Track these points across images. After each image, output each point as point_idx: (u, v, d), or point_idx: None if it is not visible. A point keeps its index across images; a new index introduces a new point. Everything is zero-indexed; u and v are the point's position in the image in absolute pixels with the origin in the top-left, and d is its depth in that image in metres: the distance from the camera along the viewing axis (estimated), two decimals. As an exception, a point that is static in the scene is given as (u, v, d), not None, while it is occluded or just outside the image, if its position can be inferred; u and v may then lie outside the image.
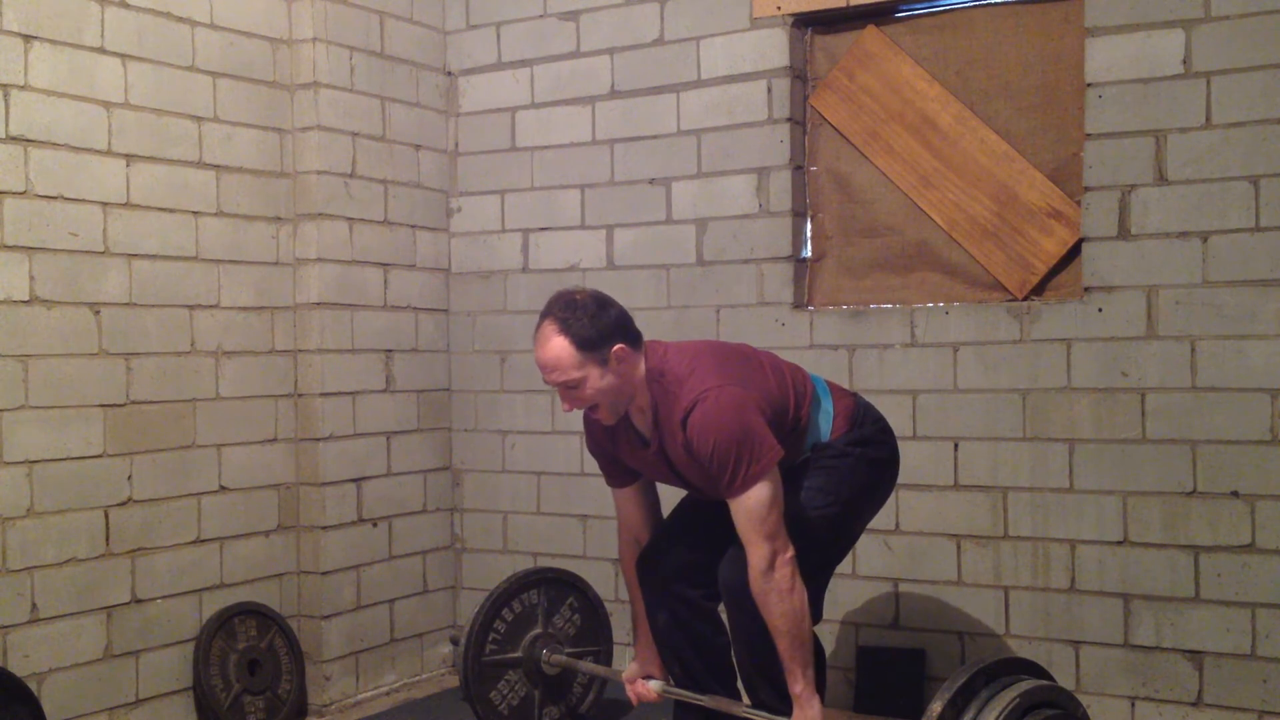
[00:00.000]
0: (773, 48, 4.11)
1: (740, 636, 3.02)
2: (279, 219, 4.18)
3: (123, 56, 3.67)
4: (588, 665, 3.72)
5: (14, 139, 3.39)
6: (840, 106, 4.10)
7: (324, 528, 4.20)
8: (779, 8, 4.10)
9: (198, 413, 3.90)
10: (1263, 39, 3.39)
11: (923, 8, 3.98)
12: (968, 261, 3.91)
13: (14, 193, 3.39)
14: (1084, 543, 3.64)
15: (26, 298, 3.42)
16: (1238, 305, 3.43)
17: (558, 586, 3.79)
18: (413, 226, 4.60)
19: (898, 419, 3.74)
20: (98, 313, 3.60)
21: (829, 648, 3.91)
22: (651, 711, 3.61)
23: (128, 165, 3.69)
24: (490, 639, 3.62)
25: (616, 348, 2.88)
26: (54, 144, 3.49)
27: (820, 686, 2.98)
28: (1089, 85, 3.63)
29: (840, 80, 4.10)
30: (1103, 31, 3.60)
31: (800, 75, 4.15)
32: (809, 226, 4.17)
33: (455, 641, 3.69)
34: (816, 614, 3.00)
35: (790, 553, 2.83)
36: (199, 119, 3.91)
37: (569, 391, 2.92)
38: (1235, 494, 3.44)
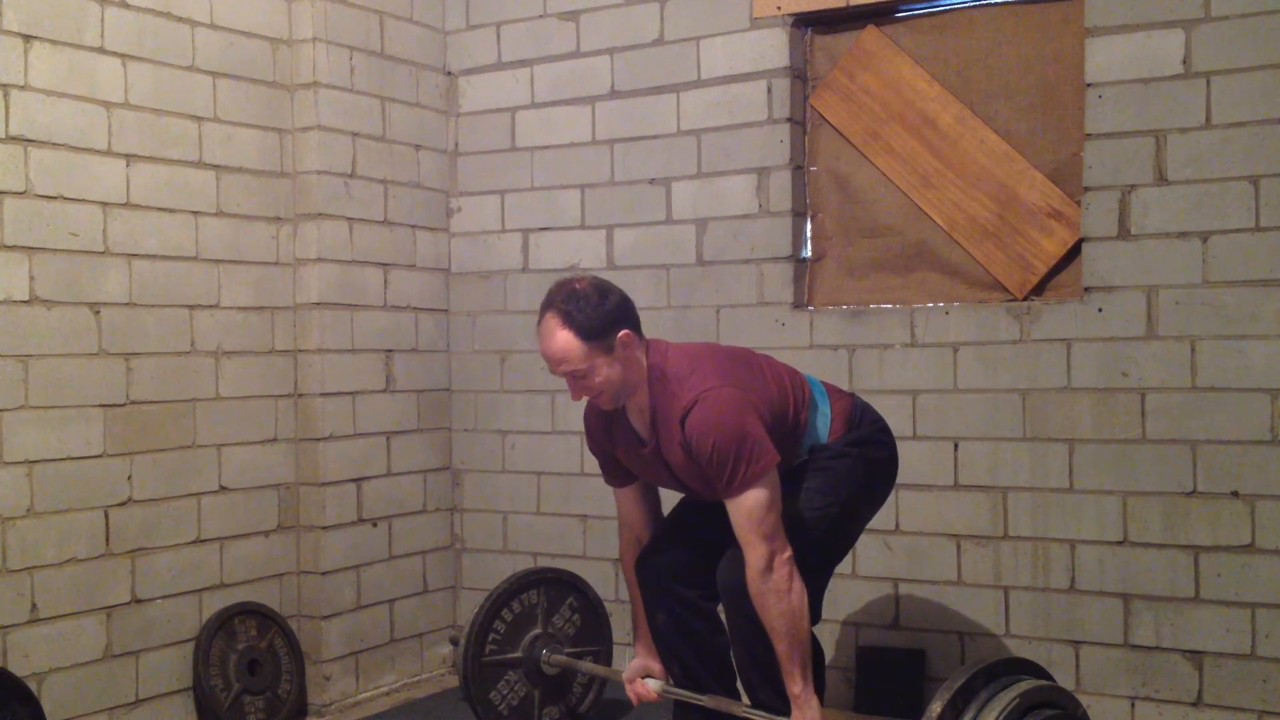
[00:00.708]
0: (773, 48, 4.11)
1: (739, 637, 3.02)
2: (279, 219, 4.18)
3: (123, 56, 3.67)
4: (587, 665, 3.72)
5: (14, 139, 3.39)
6: (840, 106, 4.10)
7: (324, 528, 4.20)
8: (779, 8, 4.09)
9: (198, 413, 3.90)
10: (1263, 39, 3.39)
11: (923, 8, 3.98)
12: (968, 261, 3.91)
13: (14, 193, 3.39)
14: (1084, 543, 3.64)
15: (26, 298, 3.42)
16: (1238, 305, 3.43)
17: (557, 586, 3.79)
18: (413, 226, 4.60)
19: (898, 419, 3.74)
20: (98, 313, 3.60)
21: (829, 648, 3.91)
22: (651, 711, 3.61)
23: (128, 165, 3.69)
24: (490, 639, 3.62)
25: (622, 334, 2.88)
26: (54, 144, 3.49)
27: (819, 687, 2.98)
28: (1089, 85, 3.63)
29: (840, 80, 4.10)
30: (1103, 31, 3.60)
31: (800, 75, 4.15)
32: (809, 226, 4.17)
33: (455, 642, 3.69)
34: (816, 615, 3.00)
35: (788, 553, 2.82)
36: (199, 119, 3.91)
37: (577, 381, 2.91)
38: (1235, 494, 3.44)
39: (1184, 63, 3.49)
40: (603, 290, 2.91)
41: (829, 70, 4.13)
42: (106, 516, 3.62)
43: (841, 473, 3.04)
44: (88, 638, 3.57)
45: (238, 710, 3.91)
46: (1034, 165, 3.81)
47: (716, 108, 4.21)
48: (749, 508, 2.81)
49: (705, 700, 3.13)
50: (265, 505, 4.13)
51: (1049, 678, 2.86)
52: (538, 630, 3.70)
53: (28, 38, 3.42)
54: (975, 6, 3.90)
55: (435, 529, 4.70)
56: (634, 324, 2.94)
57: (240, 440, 4.04)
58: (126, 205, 3.69)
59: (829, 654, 3.88)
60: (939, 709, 2.60)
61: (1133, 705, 3.58)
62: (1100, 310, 3.61)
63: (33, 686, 3.33)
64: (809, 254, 4.17)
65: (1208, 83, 3.46)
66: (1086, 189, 3.65)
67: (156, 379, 3.76)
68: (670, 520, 3.28)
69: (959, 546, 3.83)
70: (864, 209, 4.09)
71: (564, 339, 2.85)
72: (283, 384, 4.19)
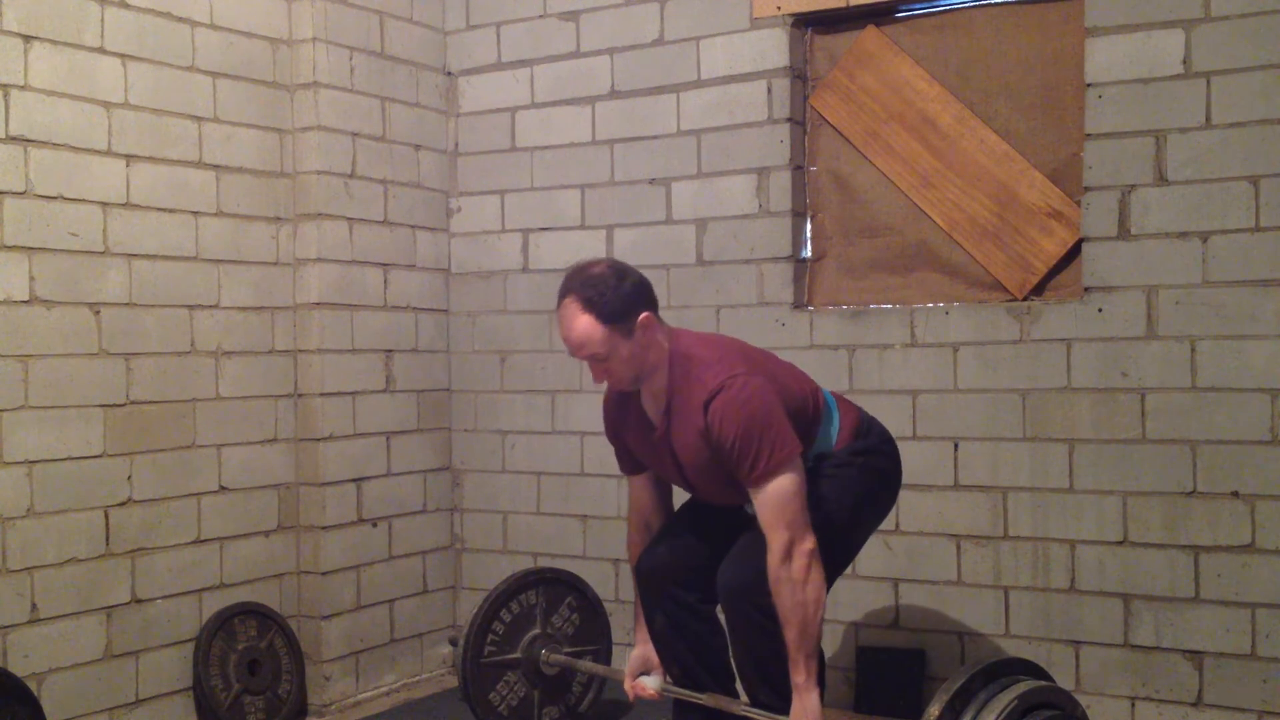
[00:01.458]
0: (773, 48, 4.11)
1: (739, 638, 3.01)
2: (279, 219, 4.18)
3: (122, 56, 3.67)
4: (586, 665, 3.72)
5: (14, 139, 3.39)
6: (840, 106, 4.10)
7: (324, 528, 4.20)
8: (779, 8, 4.09)
9: (198, 413, 3.90)
10: (1263, 39, 3.38)
11: (923, 8, 3.98)
12: (968, 262, 3.91)
13: (14, 193, 3.39)
14: (1084, 543, 3.64)
15: (26, 298, 3.42)
16: (1238, 305, 3.42)
17: (556, 586, 3.79)
18: (413, 226, 4.60)
19: (898, 419, 3.75)
20: (98, 313, 3.61)
21: (829, 648, 3.91)
22: (651, 711, 3.61)
23: (128, 165, 3.69)
24: (489, 639, 3.62)
25: (642, 316, 2.87)
26: (54, 144, 3.49)
27: (820, 686, 2.98)
28: (1089, 85, 3.63)
29: (840, 80, 4.10)
30: (1103, 31, 3.60)
31: (800, 75, 4.15)
32: (809, 226, 4.17)
33: (454, 642, 3.69)
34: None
35: (809, 544, 2.79)
36: (199, 119, 3.91)
37: (598, 365, 2.91)
38: (1235, 494, 3.43)
39: (1184, 63, 3.49)
40: (621, 272, 2.89)
41: (829, 70, 4.13)
42: (106, 516, 3.62)
43: (847, 481, 3.03)
44: (88, 638, 3.57)
45: (238, 710, 3.91)
46: (1034, 165, 3.80)
47: (716, 108, 4.21)
48: (772, 495, 2.79)
49: (704, 699, 3.13)
50: (265, 505, 4.13)
51: (1048, 678, 2.86)
52: (537, 630, 3.71)
53: (28, 38, 3.42)
54: (975, 6, 3.90)
55: (435, 529, 4.70)
56: (653, 306, 2.92)
57: (240, 440, 4.04)
58: (126, 205, 3.69)
59: (829, 653, 3.88)
60: (937, 712, 2.60)
61: (1133, 705, 3.58)
62: (1100, 310, 3.61)
63: (33, 686, 3.33)
64: (809, 254, 4.17)
65: (1208, 83, 3.46)
66: (1086, 189, 3.65)
67: (156, 379, 3.76)
68: (672, 525, 3.27)
69: (959, 546, 3.83)
70: (864, 209, 4.09)
71: (584, 323, 2.84)
72: (283, 384, 4.19)
